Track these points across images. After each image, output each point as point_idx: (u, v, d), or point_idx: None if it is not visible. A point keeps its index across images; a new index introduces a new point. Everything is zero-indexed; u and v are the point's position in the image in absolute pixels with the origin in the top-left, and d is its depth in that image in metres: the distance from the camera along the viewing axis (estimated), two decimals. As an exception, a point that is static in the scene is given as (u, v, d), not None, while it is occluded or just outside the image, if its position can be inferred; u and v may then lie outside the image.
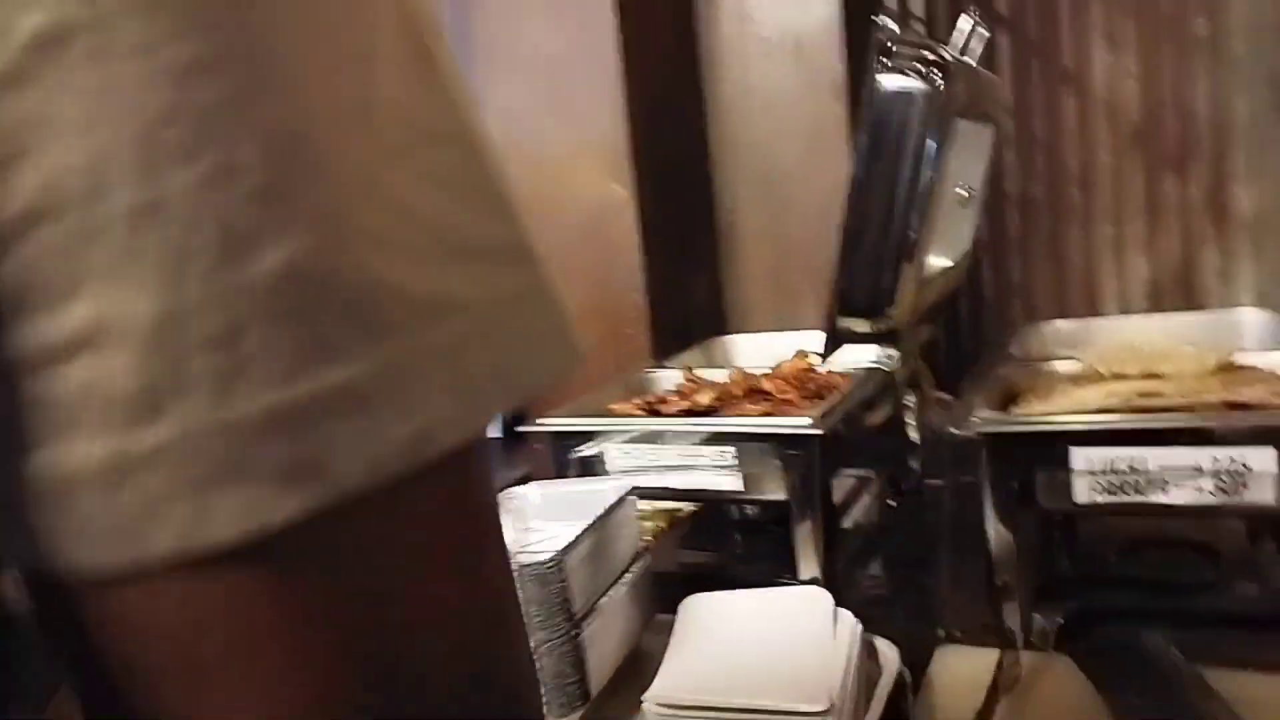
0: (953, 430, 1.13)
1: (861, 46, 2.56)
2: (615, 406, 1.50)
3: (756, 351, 1.96)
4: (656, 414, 1.46)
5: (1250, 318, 1.55)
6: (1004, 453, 1.13)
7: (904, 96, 1.14)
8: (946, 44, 1.21)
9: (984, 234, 3.25)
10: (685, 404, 1.42)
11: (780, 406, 1.36)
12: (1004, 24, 3.12)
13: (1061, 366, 1.35)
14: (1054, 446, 1.09)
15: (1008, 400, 1.28)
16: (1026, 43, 2.96)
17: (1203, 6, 2.84)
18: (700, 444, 1.30)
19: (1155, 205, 3.00)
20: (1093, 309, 2.99)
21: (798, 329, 2.24)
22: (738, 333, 2.20)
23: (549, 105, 2.12)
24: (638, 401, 1.48)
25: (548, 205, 2.17)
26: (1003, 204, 3.09)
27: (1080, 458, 1.08)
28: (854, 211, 1.18)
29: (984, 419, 1.13)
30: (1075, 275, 3.03)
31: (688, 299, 2.22)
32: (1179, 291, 2.99)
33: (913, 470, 1.62)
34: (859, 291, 1.21)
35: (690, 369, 1.64)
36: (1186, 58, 2.87)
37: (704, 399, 1.41)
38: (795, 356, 1.60)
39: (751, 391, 1.46)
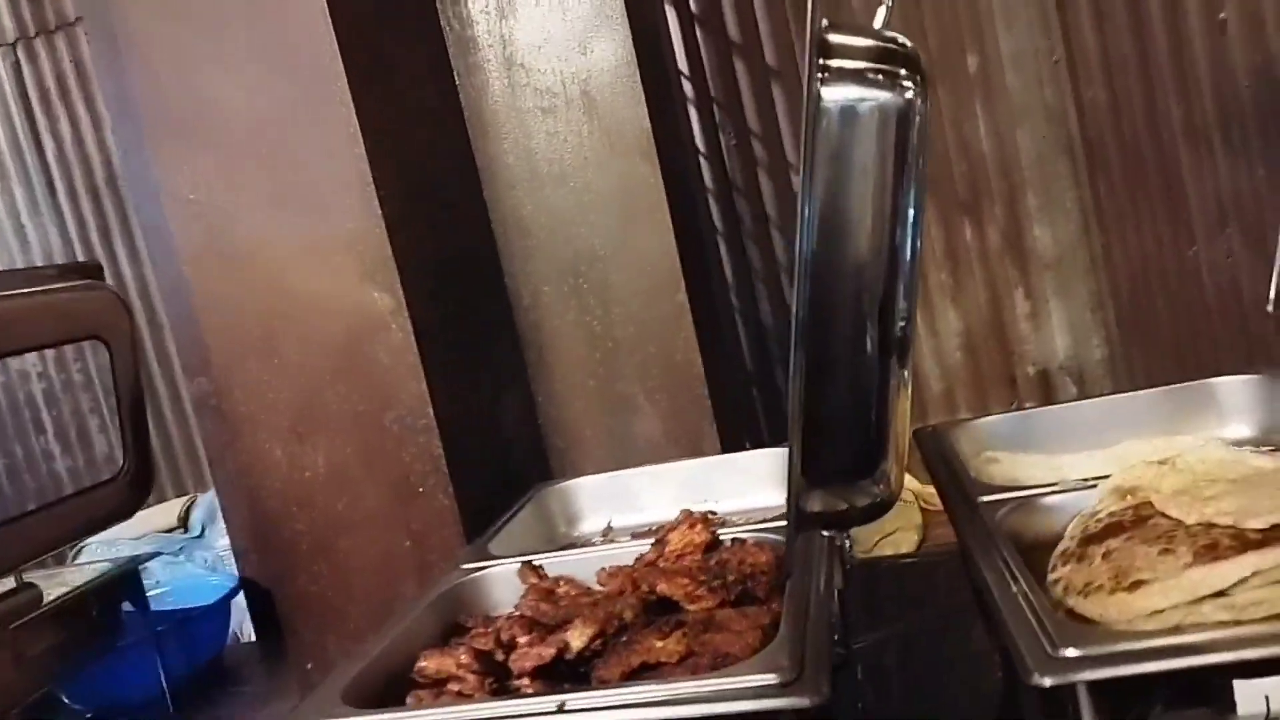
0: (1038, 679, 0.65)
1: (662, 92, 2.15)
2: (429, 663, 0.89)
3: (607, 500, 1.42)
4: (502, 674, 0.87)
5: (1227, 388, 1.22)
6: (1122, 699, 0.66)
7: (871, 117, 0.66)
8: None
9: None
10: (546, 649, 0.85)
11: (706, 639, 0.82)
12: (777, 76, 2.86)
13: (1083, 503, 0.92)
14: (1208, 684, 0.64)
15: (1034, 574, 0.82)
16: (799, 94, 2.69)
17: (973, 41, 2.72)
18: (593, 734, 0.74)
19: (955, 253, 2.83)
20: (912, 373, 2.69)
21: (638, 451, 1.74)
22: (567, 470, 1.66)
23: (264, 187, 1.49)
24: (463, 653, 0.88)
25: (281, 325, 1.52)
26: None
27: (1247, 696, 0.64)
28: (819, 314, 0.67)
29: (1087, 655, 0.65)
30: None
31: (494, 431, 1.64)
32: (993, 340, 2.82)
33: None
34: (838, 447, 0.71)
35: (534, 567, 1.06)
36: (962, 96, 2.73)
37: (577, 639, 0.84)
38: (683, 521, 1.07)
39: (645, 603, 0.91)
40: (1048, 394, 2.71)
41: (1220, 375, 1.24)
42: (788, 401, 0.70)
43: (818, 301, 0.67)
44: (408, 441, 1.47)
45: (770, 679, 0.69)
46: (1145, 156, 2.50)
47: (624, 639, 0.84)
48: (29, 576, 1.51)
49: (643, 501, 1.42)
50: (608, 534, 1.39)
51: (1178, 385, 1.24)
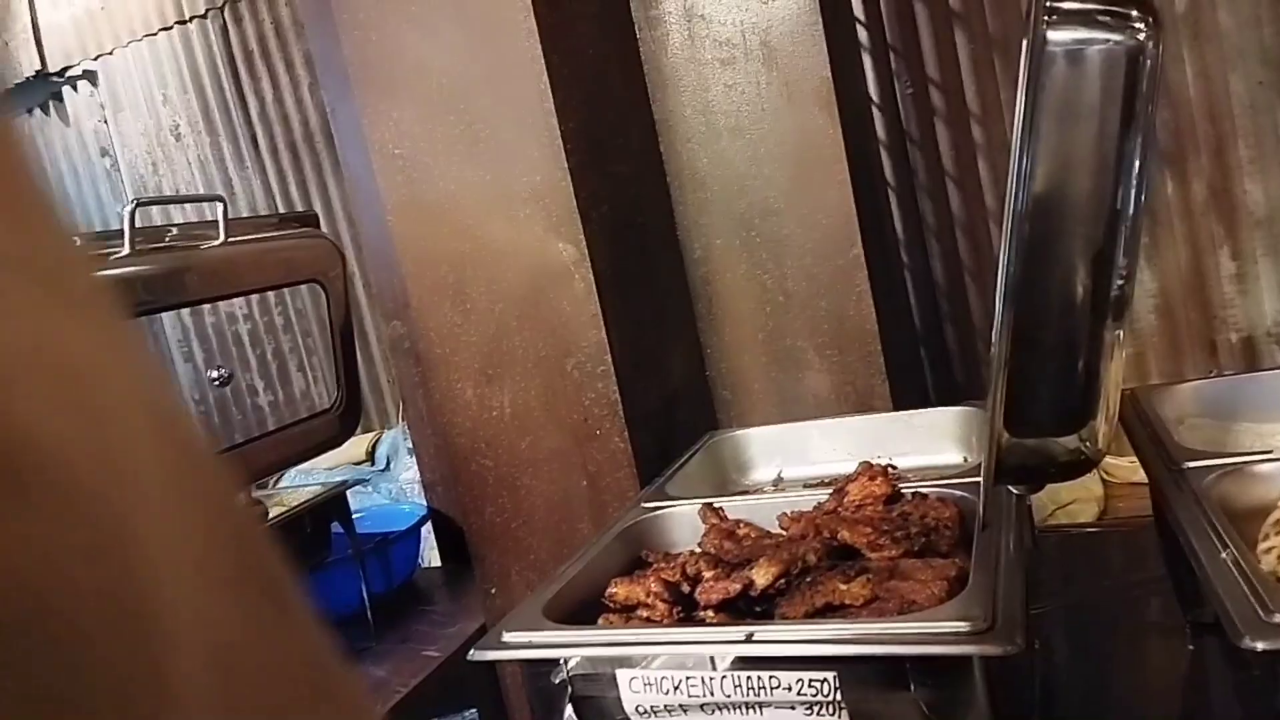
0: (1249, 642, 0.64)
1: (843, 41, 2.11)
2: (619, 589, 0.96)
3: (778, 450, 1.45)
4: (688, 603, 0.92)
5: None
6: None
7: (1099, 60, 0.65)
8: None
9: (967, 258, 2.84)
10: (732, 584, 0.89)
11: (891, 586, 0.84)
12: (961, 20, 2.73)
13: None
14: None
15: (1245, 542, 0.79)
16: (985, 40, 2.57)
17: (1179, -20, 2.50)
18: (775, 669, 0.78)
19: (1154, 207, 2.64)
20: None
21: (805, 407, 1.76)
22: (733, 422, 1.70)
23: (459, 142, 1.59)
24: (654, 582, 0.94)
25: (472, 272, 1.63)
26: (977, 220, 2.69)
27: None
28: (1031, 267, 0.67)
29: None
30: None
31: (665, 381, 1.70)
32: (1193, 302, 2.63)
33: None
34: (1044, 402, 0.71)
35: (714, 508, 1.11)
36: (1167, 36, 2.51)
37: (762, 576, 0.88)
38: (863, 473, 1.09)
39: (826, 547, 0.94)
40: (1252, 362, 2.51)
41: None
42: (994, 353, 0.71)
43: (1031, 254, 0.67)
44: (586, 386, 1.55)
45: (963, 626, 0.71)
46: (1381, 103, 2.24)
47: (808, 580, 0.88)
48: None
49: (814, 454, 1.44)
50: (779, 484, 1.43)
51: None
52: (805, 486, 1.34)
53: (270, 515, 1.59)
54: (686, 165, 1.79)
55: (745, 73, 1.73)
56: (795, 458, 1.45)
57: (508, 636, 0.90)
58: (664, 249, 1.81)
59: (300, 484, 2.93)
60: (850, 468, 1.37)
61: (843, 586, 0.85)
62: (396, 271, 1.76)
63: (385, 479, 3.47)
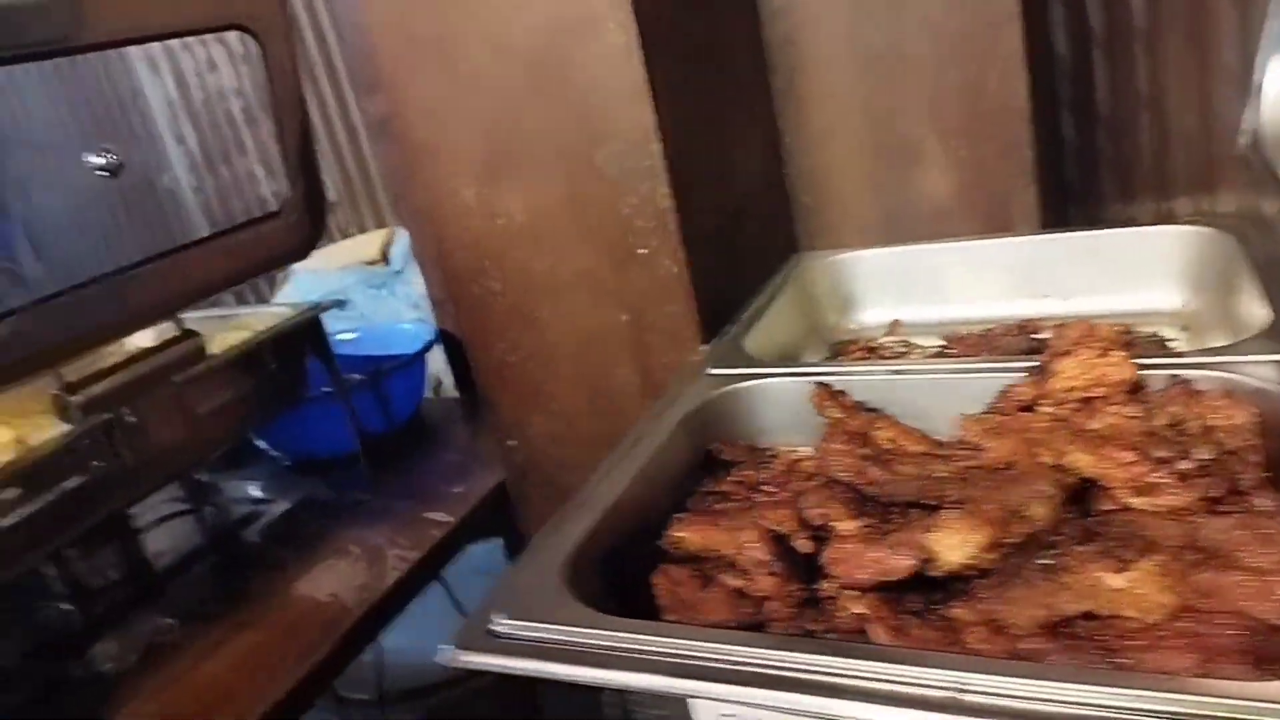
0: None
1: None
2: (690, 533, 0.57)
3: (892, 283, 1.01)
4: (805, 567, 0.53)
5: None
6: None
7: None
8: None
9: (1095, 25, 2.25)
10: (898, 559, 0.50)
11: (1202, 581, 0.44)
12: None
13: None
14: None
15: None
16: None
17: None
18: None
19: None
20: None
21: (920, 217, 1.29)
22: (816, 236, 1.23)
23: None
24: (751, 536, 0.54)
25: (462, 23, 1.14)
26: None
27: None
28: None
29: None
30: (1222, 71, 2.05)
31: (731, 181, 1.24)
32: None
33: None
34: None
35: (835, 393, 0.69)
36: None
37: (955, 550, 0.48)
38: (1082, 340, 0.65)
39: (1061, 490, 0.53)
40: None
41: None
42: None
43: None
44: (626, 189, 1.10)
45: None
46: None
47: (1040, 561, 0.47)
48: (204, 320, 1.32)
49: (944, 289, 1.01)
50: (895, 331, 1.00)
51: None
52: (948, 343, 0.92)
53: (223, 346, 1.21)
54: None
55: None
56: (915, 293, 1.02)
57: (505, 627, 0.52)
58: (730, 3, 1.28)
59: (305, 290, 2.54)
60: (995, 312, 0.94)
61: (1114, 582, 0.44)
62: (364, 27, 1.27)
63: (401, 282, 3.08)
